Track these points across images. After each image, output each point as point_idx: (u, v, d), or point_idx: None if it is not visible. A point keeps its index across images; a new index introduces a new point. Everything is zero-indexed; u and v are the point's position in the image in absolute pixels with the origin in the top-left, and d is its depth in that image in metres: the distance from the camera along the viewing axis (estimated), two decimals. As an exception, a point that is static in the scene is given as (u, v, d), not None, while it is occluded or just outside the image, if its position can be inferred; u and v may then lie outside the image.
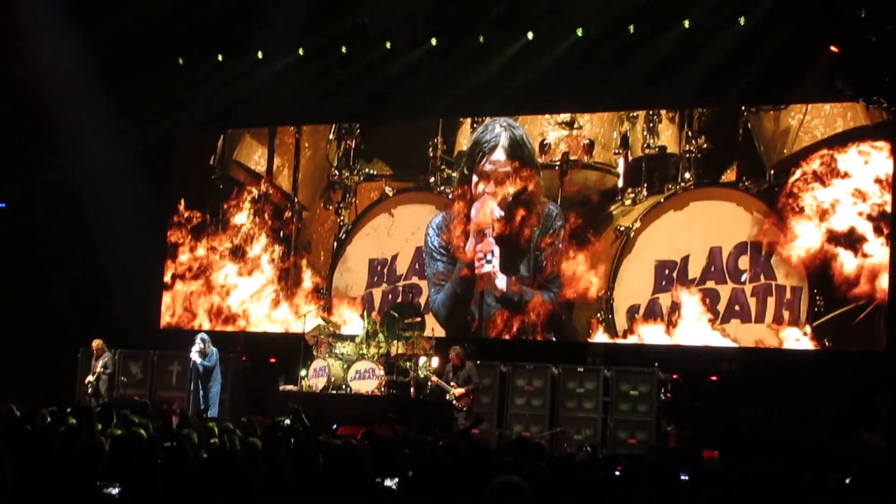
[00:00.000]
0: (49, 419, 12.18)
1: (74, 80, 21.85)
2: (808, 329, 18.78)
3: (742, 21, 19.07)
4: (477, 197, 20.96)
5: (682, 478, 8.74)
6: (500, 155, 20.98)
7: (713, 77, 19.42)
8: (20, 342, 21.51)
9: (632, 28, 19.83)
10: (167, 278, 23.73)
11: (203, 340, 20.01)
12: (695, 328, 19.46)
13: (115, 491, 6.63)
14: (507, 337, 20.71)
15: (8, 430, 10.42)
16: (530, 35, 20.64)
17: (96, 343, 20.52)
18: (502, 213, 20.71)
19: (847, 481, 8.76)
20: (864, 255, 18.57)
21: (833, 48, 18.65)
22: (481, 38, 20.98)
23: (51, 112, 22.09)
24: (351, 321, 20.90)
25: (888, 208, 18.48)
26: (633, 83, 20.01)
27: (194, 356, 19.86)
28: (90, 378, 20.35)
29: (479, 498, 6.55)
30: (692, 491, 7.79)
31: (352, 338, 19.30)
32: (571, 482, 7.76)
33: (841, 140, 19.05)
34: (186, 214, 23.72)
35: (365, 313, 19.94)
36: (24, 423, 10.60)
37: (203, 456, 8.90)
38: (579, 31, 20.22)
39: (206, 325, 22.82)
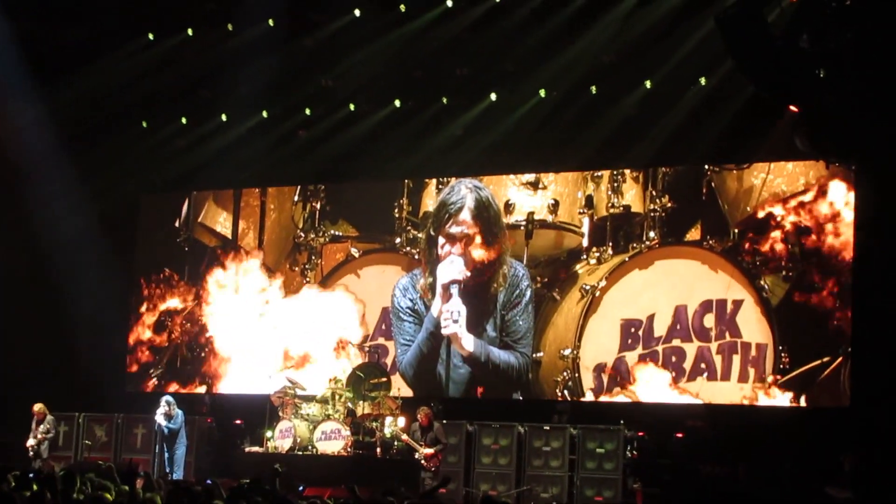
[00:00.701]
0: (13, 484, 12.25)
1: (38, 144, 21.97)
2: (773, 386, 18.95)
3: (703, 81, 19.39)
4: (443, 258, 21.00)
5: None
6: (466, 216, 20.89)
7: (676, 137, 19.71)
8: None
9: (594, 89, 20.12)
10: (133, 340, 23.85)
11: (168, 403, 19.94)
12: (659, 387, 19.66)
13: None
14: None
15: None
16: (493, 96, 20.92)
17: (38, 407, 20.37)
18: (468, 274, 20.73)
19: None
20: (828, 311, 18.78)
21: (792, 108, 18.89)
22: (445, 100, 21.27)
23: (14, 176, 22.19)
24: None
25: (850, 261, 18.71)
26: (597, 143, 20.26)
27: (159, 419, 19.79)
28: (31, 442, 20.24)
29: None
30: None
31: (318, 398, 19.35)
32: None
33: (804, 198, 19.32)
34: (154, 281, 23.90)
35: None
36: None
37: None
38: (542, 93, 20.48)
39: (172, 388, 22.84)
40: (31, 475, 12.44)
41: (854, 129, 18.03)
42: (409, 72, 21.31)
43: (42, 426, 20.36)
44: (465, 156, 21.31)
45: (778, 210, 19.51)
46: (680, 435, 18.50)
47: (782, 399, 18.88)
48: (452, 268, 20.70)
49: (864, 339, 18.29)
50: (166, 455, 19.73)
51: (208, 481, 15.51)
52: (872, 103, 17.35)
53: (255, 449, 19.30)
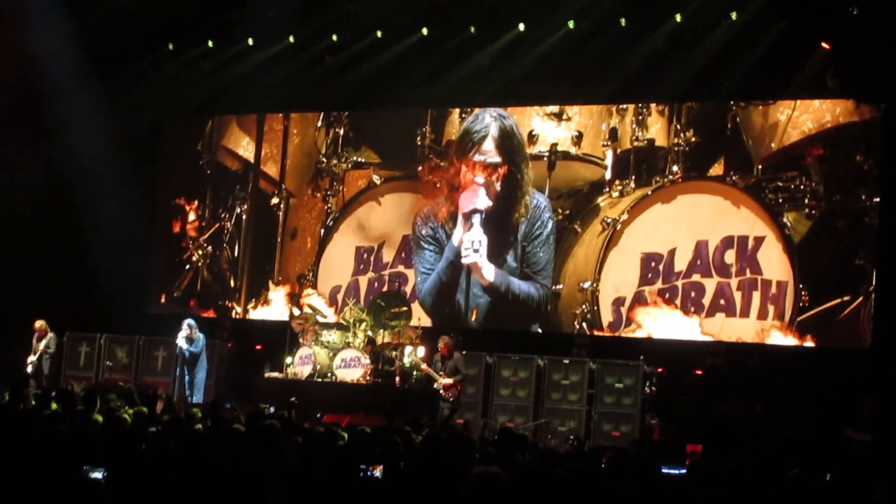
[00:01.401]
0: (33, 402, 12.20)
1: (63, 66, 21.81)
2: (792, 325, 18.84)
3: (734, 16, 19.08)
4: (466, 186, 20.93)
5: (671, 472, 8.82)
6: (489, 145, 20.90)
7: (703, 72, 19.40)
8: (4, 324, 21.47)
9: (623, 21, 19.79)
10: (154, 262, 23.83)
11: (190, 326, 19.92)
12: (678, 323, 19.54)
13: (99, 475, 6.64)
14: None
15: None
16: (521, 26, 20.60)
17: (39, 324, 20.36)
18: (490, 203, 20.69)
19: (828, 477, 8.81)
20: (851, 250, 18.63)
21: (825, 46, 18.68)
22: (473, 29, 20.96)
23: (39, 98, 22.07)
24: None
25: (876, 199, 18.52)
26: (624, 76, 19.98)
27: (181, 342, 19.78)
28: (32, 358, 20.23)
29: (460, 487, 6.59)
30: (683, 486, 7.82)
31: (339, 326, 19.32)
32: (554, 474, 7.79)
33: (830, 135, 19.10)
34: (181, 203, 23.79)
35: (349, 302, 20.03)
36: (11, 407, 10.61)
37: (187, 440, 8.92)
38: (571, 24, 20.19)
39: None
40: (52, 394, 12.41)
41: (885, 68, 17.83)
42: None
43: (43, 342, 20.28)
44: (491, 86, 21.04)
45: (803, 147, 19.24)
46: (698, 372, 18.42)
47: (800, 338, 18.73)
48: (474, 197, 20.64)
49: (888, 280, 18.09)
50: (187, 378, 19.68)
51: (227, 405, 15.51)
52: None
53: (275, 375, 19.30)
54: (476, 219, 20.60)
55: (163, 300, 23.84)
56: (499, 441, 11.46)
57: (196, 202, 23.92)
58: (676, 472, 10.11)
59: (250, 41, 22.46)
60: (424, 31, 21.34)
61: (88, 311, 21.77)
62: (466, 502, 5.71)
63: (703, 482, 8.08)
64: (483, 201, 20.65)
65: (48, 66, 21.83)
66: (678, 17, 19.50)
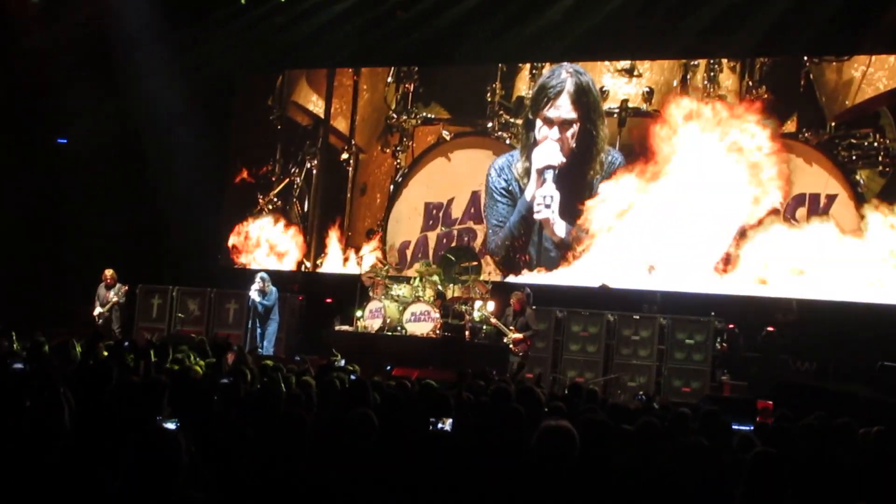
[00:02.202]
0: (106, 353, 12.28)
1: (136, 19, 21.89)
2: (865, 281, 18.62)
3: (811, -32, 18.87)
4: (540, 142, 20.88)
5: (742, 428, 8.74)
6: (565, 100, 20.91)
7: (776, 26, 19.12)
8: (78, 277, 21.64)
9: (697, -26, 19.63)
10: (226, 216, 23.99)
11: (263, 279, 19.98)
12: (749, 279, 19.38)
13: (172, 426, 6.67)
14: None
15: (68, 362, 10.52)
16: (595, -20, 20.47)
17: (109, 272, 20.26)
18: (564, 159, 20.66)
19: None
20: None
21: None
22: (546, -17, 20.84)
23: (113, 51, 22.19)
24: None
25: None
26: (695, 32, 19.73)
27: (254, 294, 19.87)
28: (100, 310, 20.15)
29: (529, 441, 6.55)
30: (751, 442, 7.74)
31: (409, 279, 19.35)
32: (623, 429, 7.75)
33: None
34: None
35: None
36: (84, 357, 10.69)
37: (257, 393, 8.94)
38: (644, -24, 20.06)
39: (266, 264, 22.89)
40: (125, 344, 12.48)
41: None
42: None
43: (112, 291, 20.25)
44: (561, 41, 20.87)
45: (877, 104, 19.01)
46: (770, 329, 18.23)
47: (875, 297, 18.48)
48: (548, 152, 20.76)
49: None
50: (258, 331, 19.78)
51: (297, 357, 15.56)
52: None
53: (345, 328, 19.29)
54: (549, 175, 20.69)
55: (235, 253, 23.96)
56: (568, 396, 11.44)
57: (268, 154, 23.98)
58: (747, 428, 10.03)
59: (322, -5, 22.42)
60: (497, -17, 21.22)
61: (161, 264, 21.93)
62: (536, 455, 5.69)
63: (766, 440, 8.00)
64: (557, 157, 20.67)
65: (122, 19, 21.91)
66: (752, -30, 19.24)
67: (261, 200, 23.84)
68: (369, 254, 21.33)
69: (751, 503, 5.65)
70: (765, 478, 5.70)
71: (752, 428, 10.07)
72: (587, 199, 20.35)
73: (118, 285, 20.33)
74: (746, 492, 5.71)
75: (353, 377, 11.19)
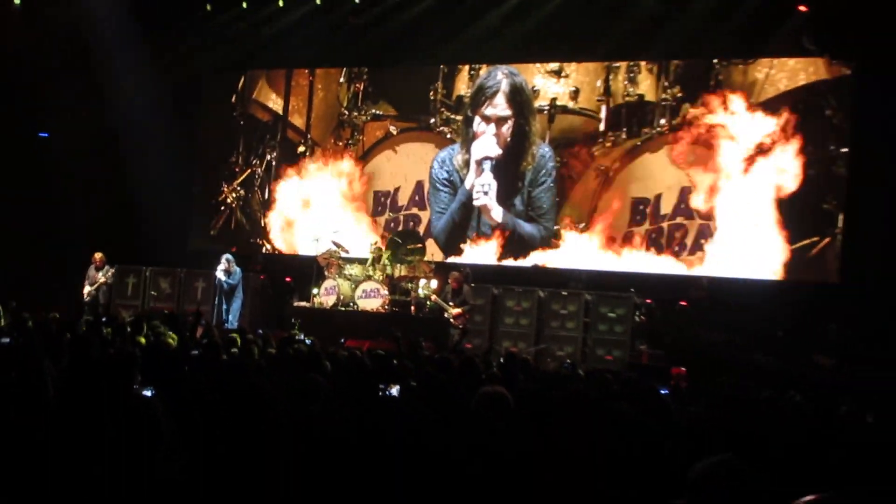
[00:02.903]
0: (85, 328, 12.20)
1: (112, 23, 21.68)
2: (767, 262, 18.81)
3: (719, -20, 18.99)
4: (478, 136, 20.93)
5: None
6: (500, 99, 20.96)
7: (689, 33, 19.29)
8: (61, 259, 21.50)
9: (619, -15, 19.71)
10: (195, 202, 23.87)
11: (228, 260, 19.90)
12: (665, 259, 19.54)
13: (148, 393, 6.64)
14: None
15: (50, 337, 10.44)
16: (528, -10, 20.51)
17: (98, 255, 20.24)
18: (500, 151, 20.74)
19: (799, 398, 8.81)
20: (820, 196, 18.56)
21: (801, 8, 18.54)
22: (483, -8, 20.85)
23: (90, 51, 21.97)
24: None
25: (844, 150, 18.44)
26: (617, 37, 19.82)
27: (219, 274, 19.78)
28: (89, 289, 20.10)
29: (469, 404, 6.58)
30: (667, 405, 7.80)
31: (360, 260, 19.35)
32: (551, 395, 7.79)
33: (803, 92, 18.97)
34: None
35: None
36: (64, 332, 10.61)
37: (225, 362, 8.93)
38: (572, -13, 20.11)
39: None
40: (103, 320, 12.42)
41: (856, 29, 17.69)
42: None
43: (101, 273, 20.18)
44: (497, 45, 20.88)
45: (779, 102, 19.10)
46: (683, 303, 18.38)
47: (775, 273, 18.69)
48: (486, 145, 20.88)
49: (853, 223, 18.07)
50: (224, 307, 19.71)
51: (259, 331, 15.51)
52: (873, 7, 17.00)
53: (303, 304, 19.30)
54: (487, 165, 20.77)
55: (201, 237, 23.82)
56: (505, 364, 11.48)
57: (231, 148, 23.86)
58: (662, 392, 10.10)
59: (280, 3, 22.34)
60: (439, -7, 21.23)
61: (135, 247, 21.73)
62: (475, 417, 5.71)
63: (684, 403, 8.08)
64: (494, 149, 20.77)
65: (98, 22, 21.70)
66: (668, -18, 19.35)
67: (225, 189, 23.71)
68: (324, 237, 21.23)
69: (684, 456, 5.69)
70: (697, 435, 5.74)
71: (667, 392, 10.15)
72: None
73: (106, 267, 20.22)
74: (679, 445, 5.75)
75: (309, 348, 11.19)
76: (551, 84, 20.93)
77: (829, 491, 4.06)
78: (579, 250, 20.18)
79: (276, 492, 5.65)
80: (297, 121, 23.34)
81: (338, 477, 5.81)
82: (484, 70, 21.37)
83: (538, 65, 21.06)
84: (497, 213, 20.71)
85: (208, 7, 22.77)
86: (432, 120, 21.94)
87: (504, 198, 20.70)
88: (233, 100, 23.97)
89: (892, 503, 4.03)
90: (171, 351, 9.58)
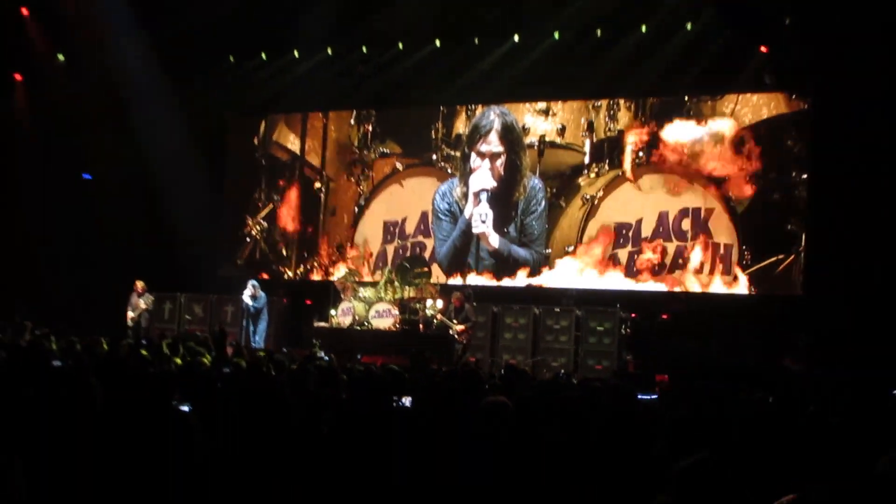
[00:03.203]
0: (127, 350, 12.17)
1: (146, 74, 21.77)
2: (738, 278, 18.79)
3: (689, 27, 19.01)
4: (475, 170, 20.94)
5: (646, 397, 8.79)
6: (494, 137, 20.97)
7: (663, 73, 19.31)
8: (105, 287, 21.48)
9: (599, 32, 19.73)
10: (223, 234, 23.86)
11: (253, 286, 19.94)
12: (646, 277, 19.53)
13: (186, 409, 6.62)
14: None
15: (97, 358, 10.42)
16: (516, 38, 20.56)
17: (140, 284, 20.30)
18: (495, 184, 20.75)
19: (771, 399, 8.79)
20: (784, 218, 18.57)
21: (763, 49, 18.59)
22: (476, 40, 20.91)
23: (127, 101, 22.05)
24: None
25: (804, 176, 18.47)
26: (599, 78, 19.89)
27: (246, 299, 19.82)
28: (132, 314, 20.15)
29: (474, 413, 6.56)
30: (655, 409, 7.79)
31: (373, 284, 19.35)
32: (550, 401, 7.77)
33: (766, 124, 18.99)
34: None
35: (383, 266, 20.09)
36: (109, 353, 10.60)
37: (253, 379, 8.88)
38: (556, 35, 20.13)
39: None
40: (143, 342, 12.40)
41: (812, 67, 17.75)
42: (448, 17, 20.78)
43: (142, 300, 20.24)
44: (491, 87, 20.94)
45: (744, 134, 19.11)
46: (664, 316, 18.36)
47: (746, 288, 18.70)
48: (482, 178, 20.90)
49: (814, 241, 18.08)
50: (251, 328, 19.71)
51: (283, 349, 15.48)
52: (827, 47, 17.05)
53: (322, 324, 19.25)
54: (484, 196, 20.78)
55: (229, 266, 23.81)
56: (505, 375, 11.45)
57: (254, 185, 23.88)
58: (649, 397, 10.09)
59: (296, 53, 22.44)
60: (437, 42, 21.30)
61: (171, 276, 21.77)
62: (480, 425, 5.70)
63: (670, 406, 8.05)
64: (489, 182, 20.78)
65: (134, 76, 21.80)
66: (644, 28, 19.38)
67: (249, 222, 23.71)
68: (341, 264, 21.24)
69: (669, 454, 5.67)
70: (684, 435, 5.72)
71: (655, 396, 10.13)
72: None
73: (147, 294, 20.26)
74: (665, 445, 5.73)
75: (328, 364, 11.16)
76: (540, 122, 20.94)
77: (803, 489, 4.05)
78: (569, 271, 20.14)
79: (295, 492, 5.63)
80: (314, 159, 23.33)
81: (351, 478, 5.79)
82: (479, 110, 21.37)
83: (528, 104, 21.07)
84: (494, 240, 20.70)
85: (231, 58, 22.91)
86: (434, 156, 21.93)
87: (499, 226, 20.70)
88: (255, 141, 23.94)
89: (863, 498, 4.01)
90: (205, 370, 9.55)
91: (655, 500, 4.13)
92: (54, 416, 6.13)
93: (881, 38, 16.04)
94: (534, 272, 20.48)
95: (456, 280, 20.82)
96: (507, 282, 20.67)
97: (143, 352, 11.23)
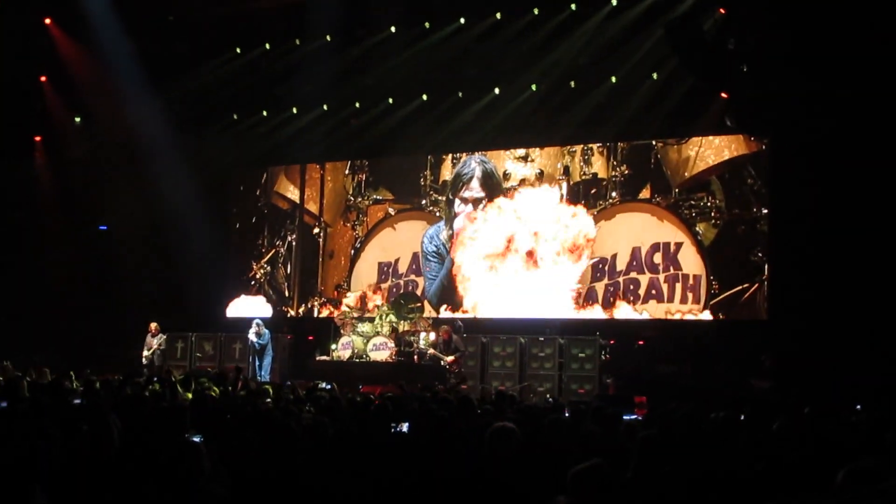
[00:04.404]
0: (142, 387, 12.08)
1: (155, 131, 21.80)
2: (707, 306, 18.78)
3: (655, 76, 19.07)
4: (458, 215, 20.97)
5: (628, 417, 8.72)
6: (475, 184, 20.96)
7: (632, 119, 19.37)
8: (121, 329, 21.49)
9: (573, 84, 19.80)
10: (230, 278, 23.77)
11: (258, 324, 19.90)
12: (624, 308, 19.48)
13: (197, 439, 6.55)
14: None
15: (111, 394, 10.35)
16: (497, 90, 20.61)
17: (154, 325, 20.19)
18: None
19: (742, 417, 8.74)
20: (748, 249, 18.59)
21: (723, 95, 18.67)
22: (460, 94, 20.95)
23: (139, 157, 22.05)
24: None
25: (765, 210, 18.49)
26: (573, 125, 19.90)
27: (251, 336, 19.77)
28: (146, 353, 20.00)
29: (468, 436, 6.50)
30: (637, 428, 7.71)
31: (370, 319, 19.27)
32: (538, 423, 7.72)
33: (728, 164, 19.07)
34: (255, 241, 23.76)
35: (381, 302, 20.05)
36: (123, 389, 10.52)
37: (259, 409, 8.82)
38: (533, 87, 20.14)
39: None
40: (154, 378, 12.33)
41: (769, 110, 17.84)
42: (432, 73, 20.89)
43: (156, 339, 20.14)
44: (474, 136, 20.96)
45: (708, 173, 19.19)
46: (641, 343, 18.31)
47: (714, 315, 18.68)
48: (466, 222, 20.79)
49: (777, 271, 18.09)
50: (257, 363, 19.66)
51: (287, 382, 15.38)
52: (782, 90, 17.15)
53: (324, 358, 19.17)
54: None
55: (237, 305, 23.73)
56: (496, 400, 11.39)
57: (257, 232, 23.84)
58: (631, 417, 10.03)
59: (294, 110, 22.43)
60: (424, 97, 21.33)
61: (182, 317, 21.70)
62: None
63: (644, 425, 7.99)
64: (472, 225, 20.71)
65: (147, 134, 21.81)
66: (613, 79, 19.45)
67: (254, 266, 23.64)
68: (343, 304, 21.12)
69: (641, 471, 5.62)
70: (651, 452, 5.66)
71: (636, 417, 10.08)
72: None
73: (160, 335, 20.17)
74: (638, 463, 5.67)
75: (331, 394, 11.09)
76: (520, 167, 20.90)
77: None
78: (552, 302, 20.08)
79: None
80: (312, 207, 23.28)
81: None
82: (463, 158, 21.39)
83: (508, 151, 21.06)
84: (477, 279, 20.70)
85: (235, 116, 22.90)
86: (423, 201, 21.89)
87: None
88: (257, 192, 23.91)
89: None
90: (214, 403, 9.48)
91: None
92: (75, 450, 6.06)
93: (830, 79, 16.11)
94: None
95: (447, 313, 20.69)
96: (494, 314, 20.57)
97: (157, 387, 11.16)
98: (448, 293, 21.00)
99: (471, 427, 7.44)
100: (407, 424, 8.35)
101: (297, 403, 9.65)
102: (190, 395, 10.85)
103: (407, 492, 5.81)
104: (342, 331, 19.17)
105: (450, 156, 21.72)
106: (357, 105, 22.02)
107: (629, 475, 5.56)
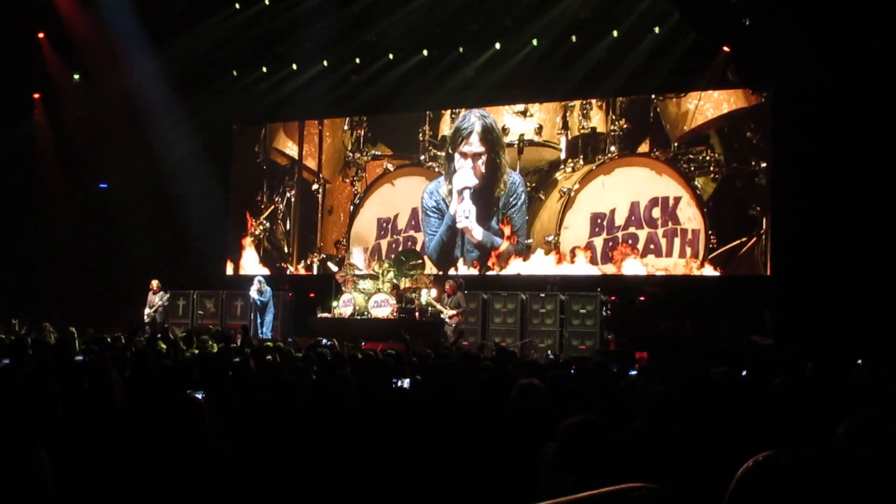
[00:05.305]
0: (144, 344, 12.06)
1: (156, 91, 21.63)
2: (705, 260, 18.74)
3: (657, 30, 18.91)
4: (458, 170, 20.84)
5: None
6: (475, 138, 20.85)
7: (633, 74, 19.24)
8: (122, 287, 21.55)
9: (574, 38, 19.64)
10: (230, 234, 23.72)
11: (260, 281, 19.91)
12: (626, 262, 19.43)
13: (200, 396, 6.52)
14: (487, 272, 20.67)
15: (116, 351, 10.31)
16: (497, 45, 20.43)
17: (155, 283, 20.15)
18: (477, 181, 20.64)
19: (743, 373, 8.72)
20: (746, 203, 18.53)
21: (725, 48, 18.54)
22: (461, 49, 20.80)
23: (140, 114, 21.86)
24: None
25: (763, 164, 18.38)
26: (573, 80, 19.79)
27: (253, 293, 19.76)
28: (148, 311, 19.97)
29: (470, 391, 6.46)
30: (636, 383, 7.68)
31: (371, 275, 19.23)
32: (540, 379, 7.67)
33: (727, 118, 18.94)
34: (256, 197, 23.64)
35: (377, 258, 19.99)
36: (127, 347, 10.49)
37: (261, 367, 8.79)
38: (534, 42, 19.98)
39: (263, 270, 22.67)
40: (158, 336, 12.29)
41: (771, 63, 17.70)
42: (433, 28, 20.67)
43: (157, 297, 20.11)
44: (475, 92, 20.88)
45: (707, 127, 19.09)
46: (642, 298, 18.28)
47: (713, 270, 18.63)
48: (465, 177, 20.77)
49: (775, 224, 18.03)
50: (259, 321, 19.66)
51: (289, 339, 15.38)
52: (784, 44, 17.01)
53: (325, 315, 19.13)
54: (466, 193, 20.69)
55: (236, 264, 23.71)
56: (496, 356, 11.37)
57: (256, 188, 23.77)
58: (631, 373, 10.00)
59: (294, 66, 22.24)
60: (424, 52, 21.16)
61: (184, 274, 21.71)
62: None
63: (649, 381, 7.96)
64: (471, 180, 20.69)
65: (146, 92, 21.63)
66: (615, 33, 19.28)
67: (253, 223, 23.59)
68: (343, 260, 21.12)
69: (651, 427, 5.58)
70: (661, 408, 5.63)
71: (636, 372, 10.06)
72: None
73: (162, 292, 20.14)
74: (648, 419, 5.63)
75: (333, 351, 11.07)
76: (519, 122, 20.81)
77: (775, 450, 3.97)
78: (552, 259, 20.06)
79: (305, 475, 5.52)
80: (311, 163, 23.19)
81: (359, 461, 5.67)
82: (462, 113, 21.27)
83: (508, 106, 20.94)
84: (477, 233, 20.61)
85: (235, 73, 22.74)
86: (422, 157, 21.80)
87: (483, 220, 20.58)
88: (256, 148, 23.81)
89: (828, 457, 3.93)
90: (215, 360, 9.44)
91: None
92: (77, 407, 6.03)
93: (833, 32, 15.97)
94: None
95: (452, 271, 20.67)
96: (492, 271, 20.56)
97: (162, 345, 11.14)
98: (448, 249, 20.95)
99: (474, 382, 7.40)
100: (408, 380, 8.32)
101: (302, 361, 9.62)
102: (196, 351, 10.82)
103: (415, 449, 5.77)
104: (343, 287, 19.12)
105: (449, 111, 21.59)
106: (357, 61, 21.84)
107: (638, 429, 5.53)
